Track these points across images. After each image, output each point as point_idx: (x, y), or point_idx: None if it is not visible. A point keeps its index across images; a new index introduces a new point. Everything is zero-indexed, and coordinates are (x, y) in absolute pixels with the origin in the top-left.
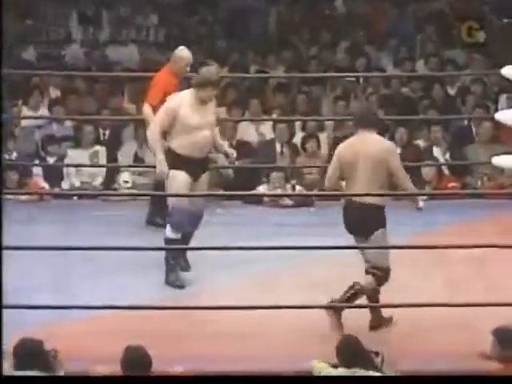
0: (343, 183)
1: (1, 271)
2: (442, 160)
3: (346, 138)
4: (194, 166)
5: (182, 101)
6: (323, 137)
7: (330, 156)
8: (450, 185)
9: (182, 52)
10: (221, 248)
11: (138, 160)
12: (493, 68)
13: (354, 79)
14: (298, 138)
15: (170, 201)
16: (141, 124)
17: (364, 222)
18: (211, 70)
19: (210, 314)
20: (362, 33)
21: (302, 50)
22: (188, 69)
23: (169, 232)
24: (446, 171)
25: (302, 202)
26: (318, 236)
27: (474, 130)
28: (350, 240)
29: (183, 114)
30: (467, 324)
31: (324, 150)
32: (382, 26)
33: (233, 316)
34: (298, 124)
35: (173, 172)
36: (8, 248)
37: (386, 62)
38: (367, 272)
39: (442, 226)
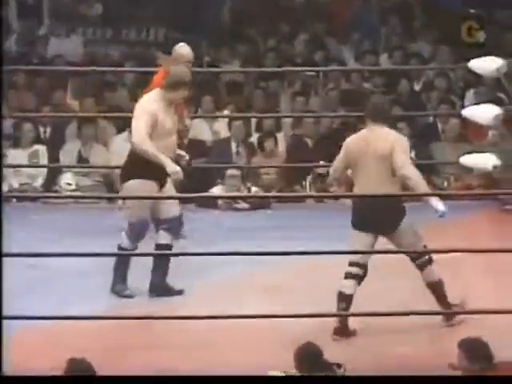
0: (349, 172)
1: (1, 277)
2: None
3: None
4: (164, 170)
5: (158, 104)
6: (281, 135)
7: (288, 155)
8: None
9: (183, 49)
10: (188, 254)
11: (81, 160)
12: (459, 61)
13: (313, 74)
14: (254, 137)
15: (131, 212)
16: (85, 122)
17: (385, 215)
18: (183, 69)
19: (160, 324)
20: (323, 24)
21: (259, 43)
22: (190, 66)
23: (125, 241)
24: None
25: (258, 204)
26: (279, 239)
27: (439, 127)
28: (314, 243)
29: (161, 118)
30: (437, 333)
31: (282, 148)
32: (343, 18)
33: (184, 325)
34: (254, 122)
35: (137, 182)
36: (7, 255)
37: (348, 56)
38: (421, 267)
39: None
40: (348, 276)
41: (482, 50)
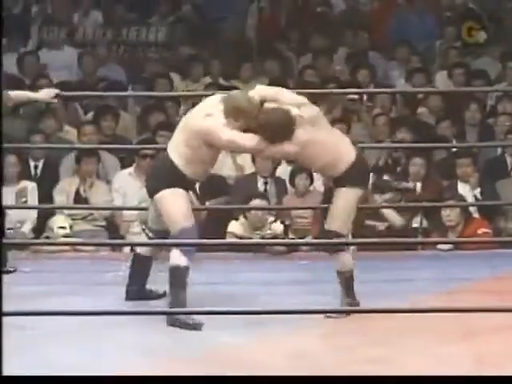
0: None
1: (1, 275)
2: (469, 199)
3: None
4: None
5: None
6: None
7: (326, 195)
8: (480, 230)
9: None
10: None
11: (80, 200)
12: None
13: (356, 96)
14: (285, 172)
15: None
16: (85, 154)
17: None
18: None
19: None
20: (364, 37)
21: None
22: None
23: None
24: (475, 213)
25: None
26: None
27: (508, 161)
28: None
29: None
30: None
31: (318, 187)
32: (387, 27)
33: None
34: None
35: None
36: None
37: (398, 74)
38: None
39: (469, 283)
40: None
41: None
